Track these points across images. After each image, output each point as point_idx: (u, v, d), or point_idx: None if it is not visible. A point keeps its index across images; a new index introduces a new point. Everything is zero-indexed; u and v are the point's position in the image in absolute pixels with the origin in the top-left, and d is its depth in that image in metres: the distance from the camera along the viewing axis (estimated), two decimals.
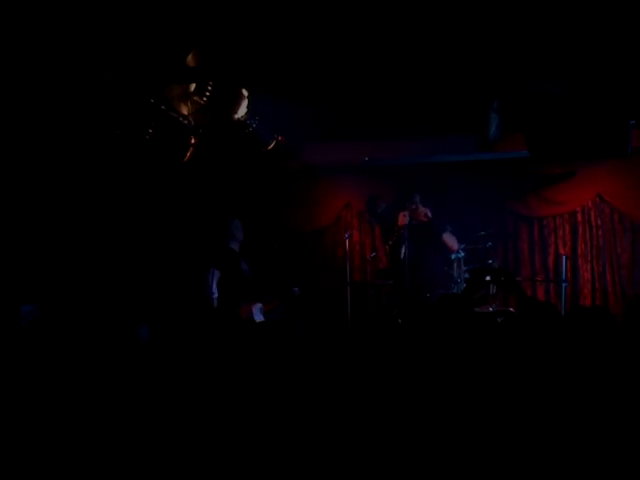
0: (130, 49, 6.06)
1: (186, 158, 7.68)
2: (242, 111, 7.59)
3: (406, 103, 8.15)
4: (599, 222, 10.28)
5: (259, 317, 7.85)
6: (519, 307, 4.81)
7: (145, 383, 3.89)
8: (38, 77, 6.07)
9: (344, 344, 4.20)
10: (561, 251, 10.28)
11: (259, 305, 7.97)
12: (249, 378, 3.76)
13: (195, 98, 7.38)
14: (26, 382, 3.96)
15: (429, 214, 8.60)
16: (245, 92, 7.54)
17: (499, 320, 5.82)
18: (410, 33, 6.16)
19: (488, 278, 5.25)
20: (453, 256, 8.76)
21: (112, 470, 3.32)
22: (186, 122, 7.28)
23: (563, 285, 9.42)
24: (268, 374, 3.81)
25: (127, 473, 3.31)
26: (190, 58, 6.73)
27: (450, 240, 8.69)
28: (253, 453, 3.25)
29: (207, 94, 7.37)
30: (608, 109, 6.53)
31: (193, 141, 7.51)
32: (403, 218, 8.54)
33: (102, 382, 3.88)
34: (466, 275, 8.72)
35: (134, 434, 3.45)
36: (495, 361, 3.52)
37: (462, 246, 8.92)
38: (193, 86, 7.34)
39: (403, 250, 8.60)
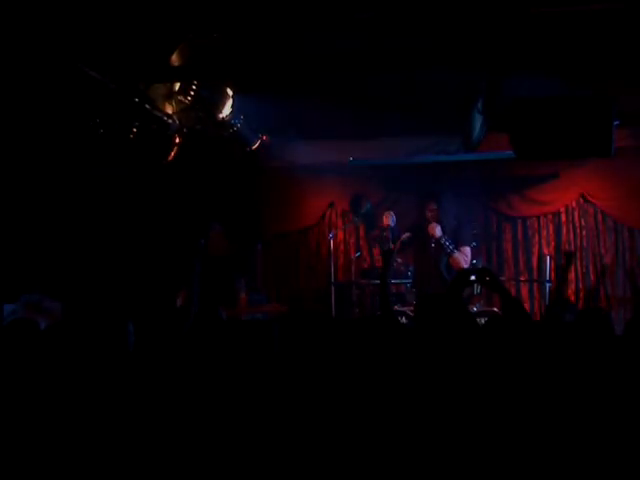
0: (114, 48, 6.03)
1: (170, 157, 7.66)
2: (226, 110, 7.57)
3: (391, 103, 8.15)
4: (583, 222, 10.31)
5: None
6: (503, 307, 4.82)
7: (130, 382, 3.87)
8: (20, 76, 6.03)
9: (327, 344, 4.20)
10: (545, 251, 10.30)
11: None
12: (225, 378, 3.75)
13: (179, 97, 7.35)
14: (9, 383, 3.94)
15: (437, 233, 8.18)
16: (230, 91, 7.52)
17: (483, 321, 5.82)
18: (397, 32, 6.16)
19: (473, 278, 5.26)
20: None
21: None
22: (170, 121, 7.25)
23: (547, 285, 9.43)
24: (246, 375, 3.80)
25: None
26: (174, 57, 6.70)
27: (460, 260, 8.18)
28: (236, 454, 3.23)
29: (191, 93, 7.34)
30: (592, 109, 6.56)
31: (177, 140, 7.48)
32: (387, 219, 8.42)
33: (88, 380, 3.86)
34: None
35: (118, 432, 3.44)
36: (481, 361, 3.51)
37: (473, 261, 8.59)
38: (177, 85, 7.31)
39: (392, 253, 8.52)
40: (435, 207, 8.27)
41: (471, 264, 8.82)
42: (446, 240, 8.09)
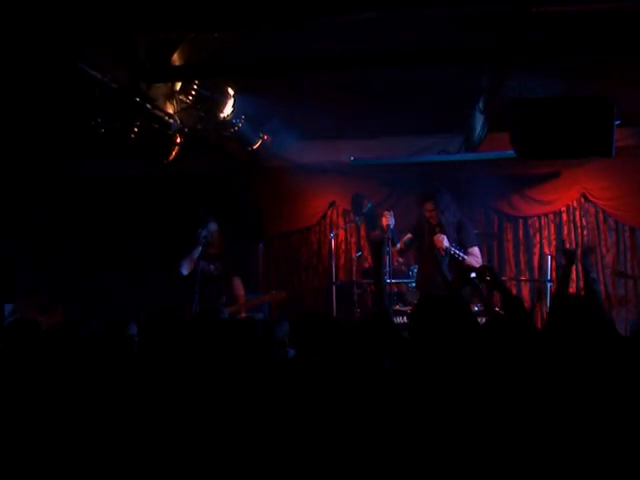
0: (115, 48, 6.04)
1: (171, 157, 7.66)
2: (227, 110, 7.57)
3: (392, 102, 8.14)
4: (584, 222, 10.32)
5: None
6: (504, 305, 4.82)
7: (135, 381, 3.87)
8: (21, 75, 6.04)
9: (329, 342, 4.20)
10: (546, 251, 10.32)
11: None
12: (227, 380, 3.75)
13: (181, 97, 7.35)
14: (11, 382, 3.94)
15: (445, 244, 7.76)
16: (231, 91, 7.52)
17: (483, 320, 5.79)
18: (398, 31, 6.15)
19: (473, 275, 5.27)
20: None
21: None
22: (172, 121, 7.25)
23: (548, 285, 9.44)
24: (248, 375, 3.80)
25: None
26: (176, 56, 6.71)
27: (472, 263, 7.79)
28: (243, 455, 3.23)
29: (192, 93, 7.34)
30: (594, 109, 6.55)
31: (178, 140, 7.48)
32: (386, 219, 8.32)
33: (91, 380, 3.86)
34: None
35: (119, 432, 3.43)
36: (481, 363, 3.50)
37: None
38: (179, 85, 7.32)
39: (387, 250, 8.46)
40: (432, 207, 8.15)
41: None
42: (454, 249, 7.87)
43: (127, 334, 4.77)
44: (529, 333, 3.91)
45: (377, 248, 5.24)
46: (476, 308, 8.35)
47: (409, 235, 8.48)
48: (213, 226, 8.30)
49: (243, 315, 7.99)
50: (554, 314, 5.13)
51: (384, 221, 8.35)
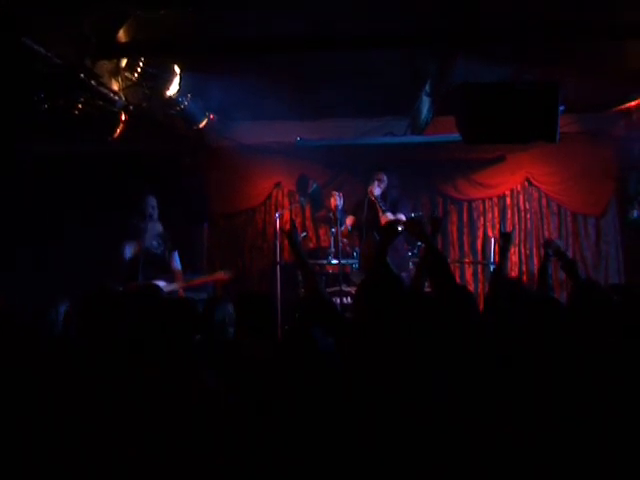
0: (60, 23, 5.93)
1: (116, 134, 7.56)
2: (174, 88, 7.49)
3: (340, 84, 8.13)
4: (527, 206, 10.49)
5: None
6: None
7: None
8: None
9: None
10: (489, 234, 10.44)
11: (162, 283, 7.85)
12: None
13: (126, 74, 7.25)
14: None
15: (375, 192, 8.43)
16: (177, 69, 7.44)
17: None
18: (346, 14, 6.13)
19: (400, 228, 5.33)
20: None
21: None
22: (117, 98, 7.15)
23: (491, 267, 9.56)
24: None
25: None
26: (121, 33, 6.61)
27: (389, 218, 8.25)
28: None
29: (138, 70, 7.25)
30: (539, 95, 6.61)
31: (123, 118, 7.38)
32: (334, 200, 8.44)
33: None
34: None
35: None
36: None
37: None
38: (124, 62, 7.22)
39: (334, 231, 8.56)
40: (383, 177, 8.43)
41: (416, 246, 8.93)
42: (381, 201, 8.41)
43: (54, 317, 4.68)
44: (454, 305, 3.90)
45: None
46: None
47: (352, 218, 8.61)
48: (152, 200, 8.22)
49: (181, 294, 7.91)
50: (491, 293, 5.22)
51: (332, 202, 8.45)
